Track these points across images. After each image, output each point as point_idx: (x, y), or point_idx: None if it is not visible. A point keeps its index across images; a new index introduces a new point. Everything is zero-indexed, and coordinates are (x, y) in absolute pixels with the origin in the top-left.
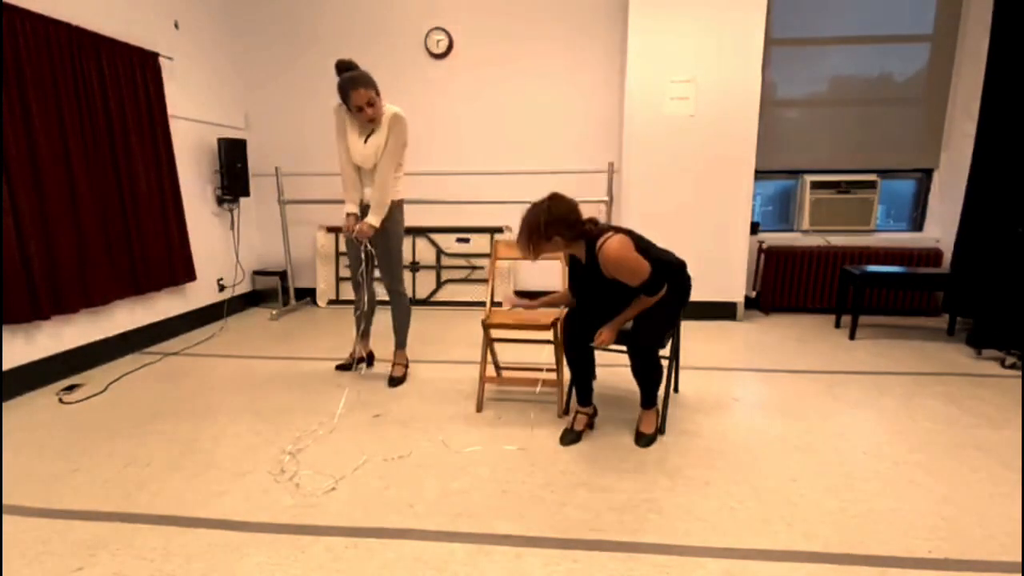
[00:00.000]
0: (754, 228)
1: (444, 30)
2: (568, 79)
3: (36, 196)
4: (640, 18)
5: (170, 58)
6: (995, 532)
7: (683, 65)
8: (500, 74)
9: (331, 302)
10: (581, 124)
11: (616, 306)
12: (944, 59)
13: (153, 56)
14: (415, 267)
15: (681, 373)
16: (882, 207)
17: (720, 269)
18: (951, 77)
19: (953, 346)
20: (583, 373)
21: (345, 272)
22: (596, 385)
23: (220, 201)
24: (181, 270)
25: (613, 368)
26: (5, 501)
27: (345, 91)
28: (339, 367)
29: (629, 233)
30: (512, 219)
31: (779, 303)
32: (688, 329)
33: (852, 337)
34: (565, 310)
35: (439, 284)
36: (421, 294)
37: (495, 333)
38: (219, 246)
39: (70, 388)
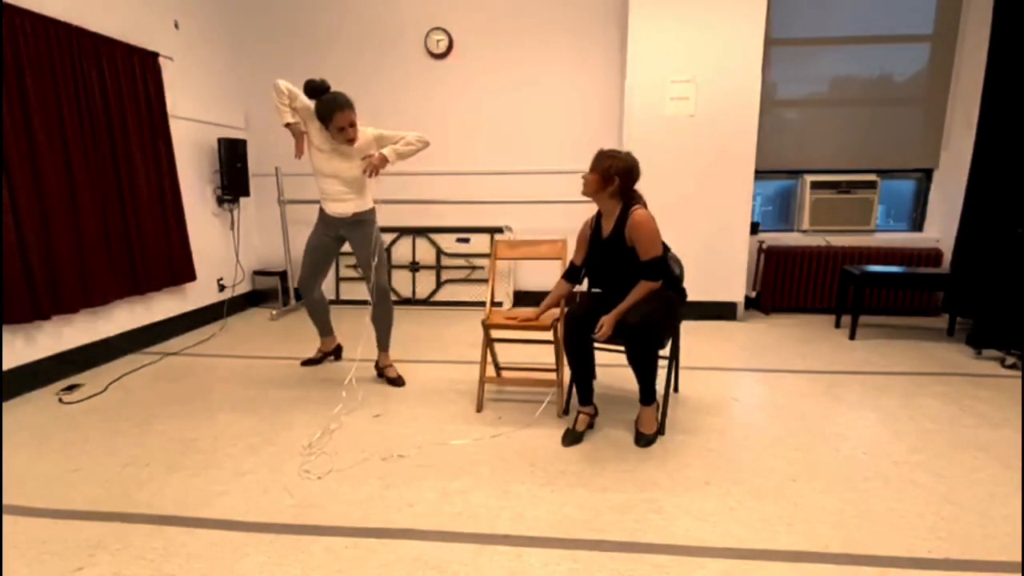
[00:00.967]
0: (754, 228)
1: (444, 30)
2: (568, 79)
3: (36, 196)
4: (640, 18)
5: (170, 58)
6: (995, 532)
7: (683, 65)
8: (500, 74)
9: (331, 302)
10: (581, 124)
11: (620, 292)
12: (944, 59)
13: (153, 56)
14: (415, 267)
15: (681, 373)
16: (882, 207)
17: (720, 269)
18: (951, 77)
19: (953, 346)
20: (584, 371)
21: (346, 272)
22: (596, 385)
23: (220, 201)
24: (181, 270)
25: (613, 368)
26: (5, 501)
27: (330, 111)
28: (306, 362)
29: None
30: (512, 219)
31: (779, 303)
32: (688, 329)
33: (852, 337)
34: (565, 309)
35: (439, 284)
36: (421, 294)
37: (495, 333)
38: (219, 246)
39: (70, 388)
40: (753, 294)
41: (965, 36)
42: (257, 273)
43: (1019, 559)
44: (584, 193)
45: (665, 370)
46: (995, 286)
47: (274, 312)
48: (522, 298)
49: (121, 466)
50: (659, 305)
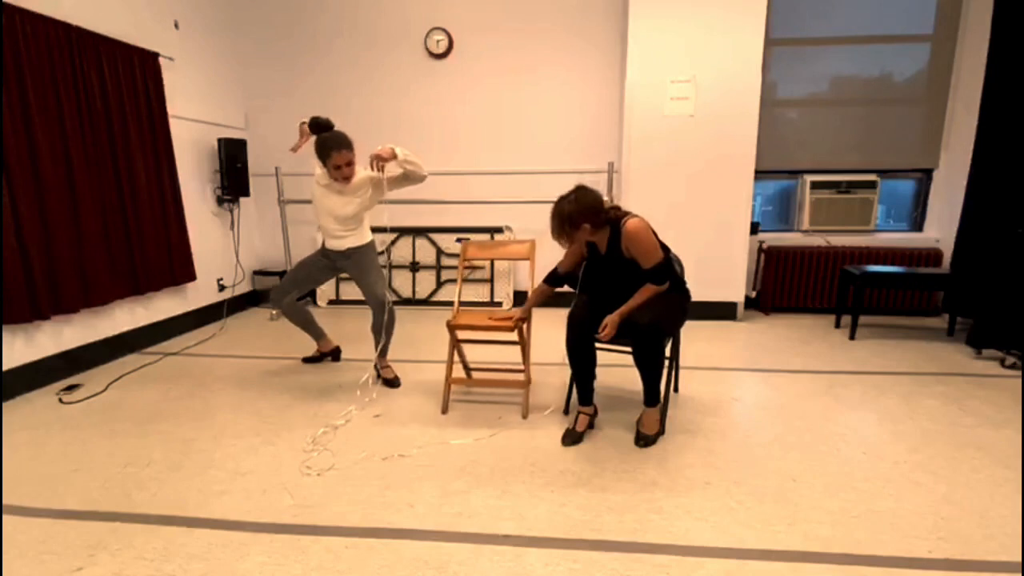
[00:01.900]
0: (754, 228)
1: (444, 30)
2: (568, 79)
3: (36, 196)
4: (640, 18)
5: (170, 58)
6: (995, 532)
7: (683, 65)
8: (500, 74)
9: (331, 302)
10: (581, 124)
11: (623, 300)
12: (944, 59)
13: (153, 56)
14: (415, 267)
15: (681, 373)
16: (882, 207)
17: (720, 269)
18: (951, 77)
19: (953, 346)
20: (585, 371)
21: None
22: (596, 385)
23: (220, 201)
24: (181, 270)
25: (613, 368)
26: (5, 501)
27: (328, 149)
28: (306, 359)
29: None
30: (512, 219)
31: (779, 303)
32: (688, 329)
33: (852, 337)
34: (524, 314)
35: (439, 284)
36: (421, 294)
37: (461, 334)
38: (219, 246)
39: (70, 388)
40: (753, 294)
41: (965, 36)
42: (257, 273)
43: (1019, 559)
44: (567, 250)
45: (665, 370)
46: (995, 286)
47: (274, 312)
48: (523, 298)
49: (121, 466)
50: (668, 306)
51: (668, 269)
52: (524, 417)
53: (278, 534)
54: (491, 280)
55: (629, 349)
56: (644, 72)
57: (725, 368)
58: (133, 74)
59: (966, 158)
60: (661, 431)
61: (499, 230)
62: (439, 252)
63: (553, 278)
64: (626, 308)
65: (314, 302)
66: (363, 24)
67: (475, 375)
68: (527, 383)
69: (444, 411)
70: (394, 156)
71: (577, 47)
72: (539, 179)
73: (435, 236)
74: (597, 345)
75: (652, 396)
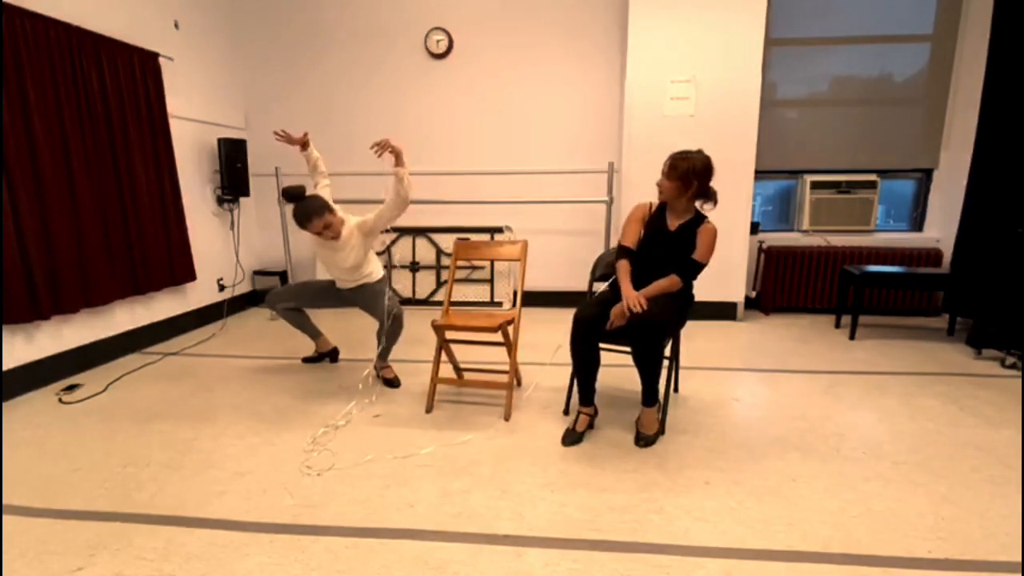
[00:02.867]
0: (754, 228)
1: (444, 30)
2: (568, 79)
3: (36, 196)
4: (640, 18)
5: (170, 58)
6: (995, 532)
7: (683, 65)
8: (500, 74)
9: None
10: (581, 124)
11: (648, 278)
12: (944, 59)
13: (153, 56)
14: (415, 267)
15: (681, 373)
16: (882, 207)
17: (720, 269)
18: (951, 77)
19: (953, 346)
20: (589, 372)
21: None
22: (596, 385)
23: (220, 201)
24: (181, 270)
25: (613, 368)
26: (5, 501)
27: (302, 222)
28: (306, 359)
29: None
30: (512, 219)
31: (779, 303)
32: (688, 329)
33: (852, 337)
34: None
35: (439, 284)
36: (421, 294)
37: (448, 335)
38: (219, 246)
39: (70, 388)
40: (753, 294)
41: (965, 36)
42: (257, 273)
43: (1019, 559)
44: (662, 199)
45: (665, 370)
46: (995, 286)
47: (274, 312)
48: (526, 298)
49: (121, 466)
50: (673, 306)
51: (698, 274)
52: (506, 419)
53: (278, 534)
54: (491, 280)
55: (629, 349)
56: (644, 72)
57: (725, 368)
58: (133, 74)
59: (966, 158)
60: (661, 431)
61: (499, 230)
62: (439, 252)
63: (629, 253)
64: (650, 290)
65: None
66: (363, 24)
67: (469, 376)
68: (510, 384)
69: (428, 410)
70: (400, 152)
71: (577, 47)
72: (539, 179)
73: (435, 236)
74: (600, 345)
75: (651, 396)
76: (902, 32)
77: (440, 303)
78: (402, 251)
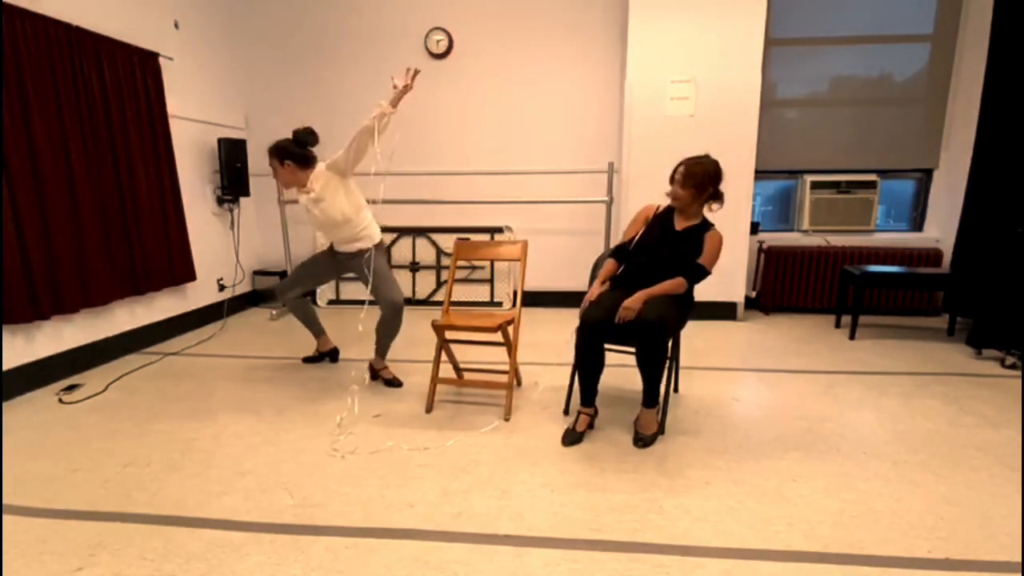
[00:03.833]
0: (754, 228)
1: (444, 30)
2: (568, 79)
3: (36, 196)
4: (640, 18)
5: (170, 58)
6: (995, 532)
7: (683, 65)
8: (500, 74)
9: (331, 302)
10: (581, 124)
11: (648, 280)
12: (944, 59)
13: (153, 56)
14: (415, 267)
15: (681, 373)
16: (882, 207)
17: (720, 269)
18: (951, 77)
19: (953, 346)
20: (592, 373)
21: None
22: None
23: (220, 201)
24: (181, 270)
25: (613, 368)
26: (5, 501)
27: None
28: (306, 359)
29: None
30: (512, 219)
31: (779, 303)
32: (688, 329)
33: (852, 337)
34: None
35: (439, 284)
36: (421, 294)
37: (448, 335)
38: (219, 246)
39: (70, 388)
40: (753, 294)
41: (965, 36)
42: (257, 273)
43: (1019, 559)
44: (677, 207)
45: (665, 370)
46: (995, 286)
47: (274, 312)
48: (526, 298)
49: (121, 466)
50: (675, 307)
51: (702, 278)
52: (506, 419)
53: (278, 534)
54: (491, 280)
55: (633, 349)
56: (644, 72)
57: (725, 368)
58: (133, 74)
59: (966, 158)
60: (660, 431)
61: (499, 230)
62: (439, 252)
63: (622, 253)
64: (654, 290)
65: (314, 301)
66: (363, 24)
67: (469, 376)
68: (510, 384)
69: (428, 410)
70: (398, 102)
71: (577, 47)
72: (539, 179)
73: (435, 236)
74: (605, 346)
75: (651, 397)
76: (902, 32)
77: (440, 303)
78: (402, 251)
